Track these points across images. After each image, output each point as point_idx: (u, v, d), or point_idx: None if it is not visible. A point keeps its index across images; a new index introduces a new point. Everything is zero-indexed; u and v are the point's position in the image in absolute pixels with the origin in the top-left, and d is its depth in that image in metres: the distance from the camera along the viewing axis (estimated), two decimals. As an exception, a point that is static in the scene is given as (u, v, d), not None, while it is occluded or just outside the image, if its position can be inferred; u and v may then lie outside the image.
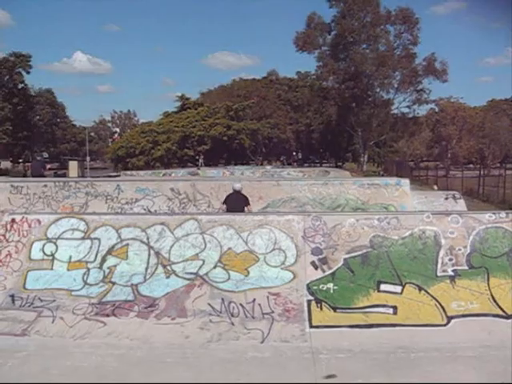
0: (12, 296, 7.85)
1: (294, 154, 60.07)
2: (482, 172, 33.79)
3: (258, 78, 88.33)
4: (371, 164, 72.95)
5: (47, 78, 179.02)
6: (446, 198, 15.44)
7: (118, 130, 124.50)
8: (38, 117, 79.75)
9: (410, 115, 64.23)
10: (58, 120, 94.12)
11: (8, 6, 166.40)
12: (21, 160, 74.66)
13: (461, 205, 15.25)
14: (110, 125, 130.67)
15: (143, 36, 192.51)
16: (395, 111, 65.16)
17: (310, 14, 62.14)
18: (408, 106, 63.43)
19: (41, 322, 7.34)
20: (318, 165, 74.83)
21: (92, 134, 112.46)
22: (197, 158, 54.90)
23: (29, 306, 7.69)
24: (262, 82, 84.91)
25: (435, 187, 30.78)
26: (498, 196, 27.58)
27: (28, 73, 66.85)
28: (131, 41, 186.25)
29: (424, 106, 65.28)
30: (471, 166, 61.69)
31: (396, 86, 61.97)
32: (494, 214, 8.21)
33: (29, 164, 54.21)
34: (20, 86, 67.58)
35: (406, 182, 15.46)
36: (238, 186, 13.06)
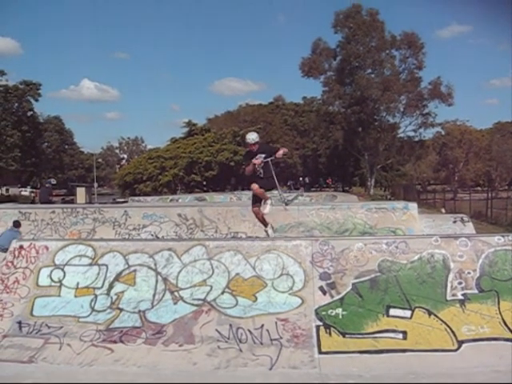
0: (19, 323, 7.82)
1: (301, 178, 60.00)
2: (489, 194, 33.68)
3: (265, 103, 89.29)
4: (378, 188, 72.96)
5: (55, 105, 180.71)
6: (454, 221, 15.42)
7: (125, 156, 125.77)
8: (46, 143, 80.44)
9: (417, 139, 64.27)
10: (66, 147, 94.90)
11: (17, 35, 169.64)
12: (29, 186, 75.21)
13: (469, 228, 15.20)
14: (117, 151, 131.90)
15: (150, 63, 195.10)
16: (401, 135, 65.30)
17: (316, 40, 62.91)
18: (414, 130, 63.57)
19: (48, 349, 7.29)
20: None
21: (100, 160, 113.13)
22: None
23: (36, 332, 7.65)
24: (269, 107, 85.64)
25: (443, 210, 30.69)
26: (506, 218, 27.48)
27: (37, 100, 67.70)
28: (139, 68, 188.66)
29: (430, 130, 65.44)
30: (479, 188, 61.62)
31: (402, 110, 62.17)
32: (502, 236, 8.14)
33: (37, 191, 54.52)
34: (29, 113, 68.30)
35: (413, 205, 15.45)
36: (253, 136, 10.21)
